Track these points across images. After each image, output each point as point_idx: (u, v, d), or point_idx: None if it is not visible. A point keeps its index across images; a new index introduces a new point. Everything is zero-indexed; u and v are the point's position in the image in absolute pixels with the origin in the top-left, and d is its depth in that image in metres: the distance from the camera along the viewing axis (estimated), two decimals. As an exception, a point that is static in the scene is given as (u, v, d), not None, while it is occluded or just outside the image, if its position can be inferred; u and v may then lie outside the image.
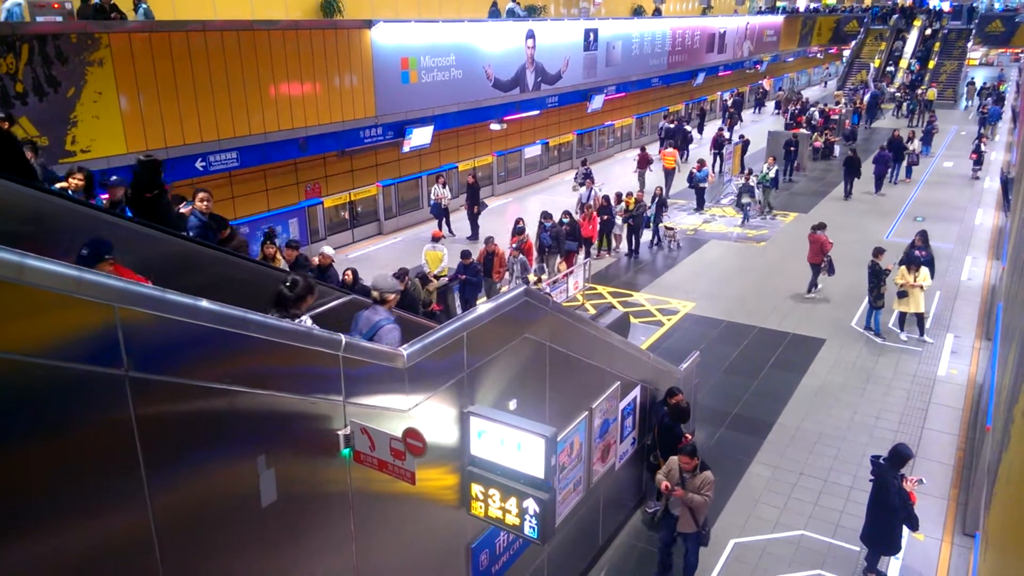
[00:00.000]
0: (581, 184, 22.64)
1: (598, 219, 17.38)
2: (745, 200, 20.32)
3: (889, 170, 24.69)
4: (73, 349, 2.70)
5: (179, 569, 3.24)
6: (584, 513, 7.43)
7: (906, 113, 38.11)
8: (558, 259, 15.67)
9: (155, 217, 5.52)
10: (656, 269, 17.16)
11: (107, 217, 5.34)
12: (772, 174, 21.22)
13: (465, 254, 12.62)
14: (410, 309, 8.93)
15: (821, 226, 15.24)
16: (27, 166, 5.41)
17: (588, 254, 17.10)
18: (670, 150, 24.68)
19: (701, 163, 21.66)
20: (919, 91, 39.90)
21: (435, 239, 14.61)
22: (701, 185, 21.54)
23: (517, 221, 15.18)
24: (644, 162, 24.05)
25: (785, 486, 9.09)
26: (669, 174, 23.56)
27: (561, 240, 15.56)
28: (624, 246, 18.20)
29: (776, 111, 40.60)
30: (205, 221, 6.89)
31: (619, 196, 18.19)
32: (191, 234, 6.26)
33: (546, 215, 15.93)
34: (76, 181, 6.82)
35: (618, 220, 17.76)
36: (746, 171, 21.23)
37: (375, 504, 4.54)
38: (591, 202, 17.92)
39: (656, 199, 18.60)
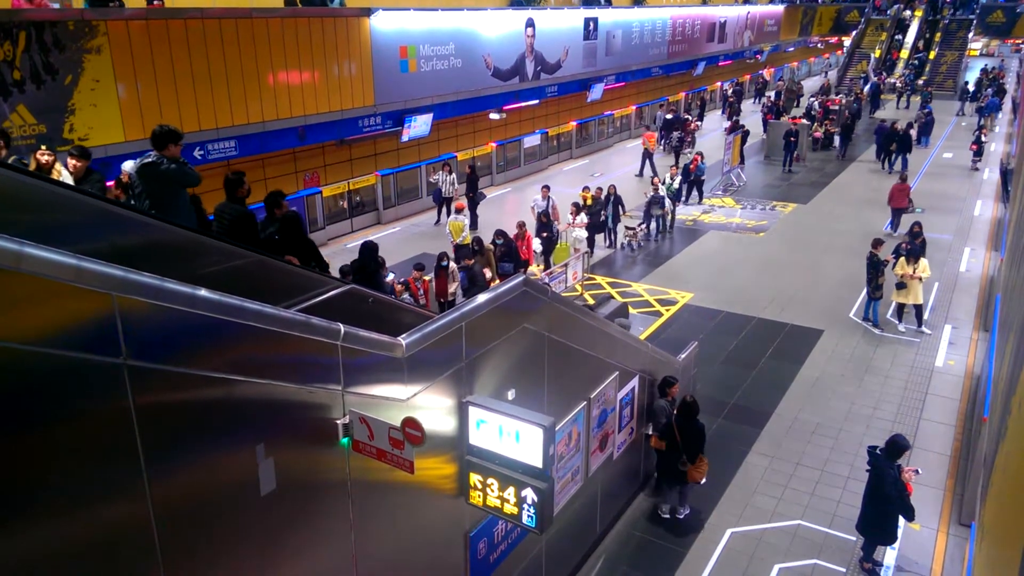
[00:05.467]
0: (676, 147, 24.95)
1: (532, 238, 15.31)
2: (656, 212, 18.37)
3: (888, 157, 25.29)
4: (72, 338, 2.69)
5: (178, 557, 3.25)
6: (582, 502, 7.46)
7: (907, 104, 38.14)
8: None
9: (372, 286, 6.77)
10: (653, 260, 17.15)
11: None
12: (676, 184, 19.92)
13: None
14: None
15: (904, 177, 18.79)
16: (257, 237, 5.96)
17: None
18: (649, 131, 26.12)
19: (699, 156, 21.61)
20: (920, 81, 39.84)
21: (458, 211, 15.09)
22: (701, 178, 21.53)
23: (440, 257, 12.55)
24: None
25: (782, 476, 9.13)
26: (649, 155, 24.60)
27: (477, 276, 12.47)
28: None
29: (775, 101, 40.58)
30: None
31: (576, 206, 16.41)
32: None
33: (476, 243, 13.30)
34: (45, 158, 6.54)
35: (578, 233, 16.00)
36: (654, 180, 19.35)
37: (374, 493, 4.55)
38: (550, 211, 15.98)
39: (611, 198, 17.18)
